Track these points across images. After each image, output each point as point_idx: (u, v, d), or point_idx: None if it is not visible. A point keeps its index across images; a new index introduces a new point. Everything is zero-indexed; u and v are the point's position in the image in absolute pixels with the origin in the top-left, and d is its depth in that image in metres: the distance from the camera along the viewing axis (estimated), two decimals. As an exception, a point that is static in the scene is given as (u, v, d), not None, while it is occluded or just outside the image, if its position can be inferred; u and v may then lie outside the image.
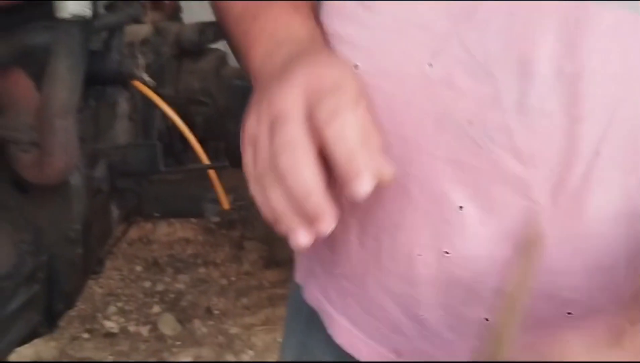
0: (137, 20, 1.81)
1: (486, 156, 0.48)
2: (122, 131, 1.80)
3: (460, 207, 0.50)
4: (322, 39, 0.57)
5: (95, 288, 2.30)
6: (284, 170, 0.45)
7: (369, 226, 0.56)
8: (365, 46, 0.53)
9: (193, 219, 2.57)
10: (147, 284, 2.39)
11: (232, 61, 2.60)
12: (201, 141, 2.05)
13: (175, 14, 2.50)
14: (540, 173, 0.48)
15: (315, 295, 0.66)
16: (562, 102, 0.47)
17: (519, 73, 0.47)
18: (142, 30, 2.15)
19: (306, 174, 0.44)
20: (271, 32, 0.57)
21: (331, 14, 0.57)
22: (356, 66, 0.53)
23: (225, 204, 2.14)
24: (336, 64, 0.52)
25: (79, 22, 1.02)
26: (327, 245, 0.60)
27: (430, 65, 0.49)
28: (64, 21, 1.01)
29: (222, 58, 2.44)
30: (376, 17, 0.52)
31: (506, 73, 0.47)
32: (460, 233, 0.51)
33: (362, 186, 0.43)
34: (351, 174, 0.43)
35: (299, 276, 0.70)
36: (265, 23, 0.58)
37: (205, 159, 2.02)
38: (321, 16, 0.59)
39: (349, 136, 0.44)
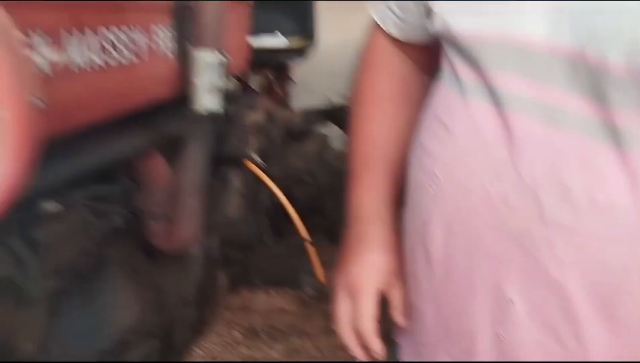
0: (252, 109, 2.02)
1: (532, 262, 0.61)
2: (233, 206, 1.99)
3: (512, 300, 0.63)
4: (387, 209, 0.82)
5: (196, 349, 2.45)
6: (356, 322, 0.78)
7: (442, 306, 0.69)
8: (444, 160, 0.68)
9: (290, 290, 2.70)
10: (245, 351, 2.53)
11: (335, 145, 2.79)
12: (302, 217, 2.21)
13: (285, 101, 2.73)
14: (575, 279, 0.60)
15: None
16: (594, 222, 0.59)
17: (559, 197, 0.59)
18: (255, 115, 2.38)
19: (369, 328, 0.77)
20: (355, 204, 0.84)
21: (422, 128, 0.72)
22: (436, 175, 0.67)
23: (322, 277, 2.27)
24: (371, 264, 0.81)
25: (209, 115, 1.21)
26: (412, 318, 0.74)
27: (491, 184, 0.62)
28: (198, 115, 1.20)
29: (325, 142, 2.63)
30: (453, 139, 0.66)
31: (548, 196, 0.59)
32: (512, 321, 0.64)
33: None
34: None
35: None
36: (356, 191, 0.84)
37: (305, 234, 2.17)
38: (414, 133, 0.75)
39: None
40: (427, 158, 0.71)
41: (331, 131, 2.87)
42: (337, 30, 3.55)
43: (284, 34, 2.57)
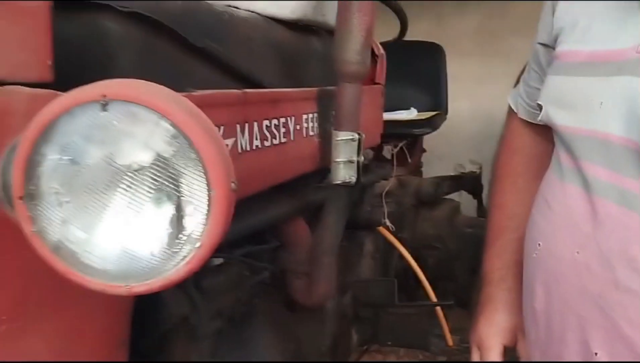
0: (386, 178, 2.18)
1: (610, 321, 0.70)
2: (366, 267, 2.14)
3: (595, 353, 0.74)
4: (513, 275, 0.98)
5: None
6: None
7: (545, 356, 0.79)
8: (544, 231, 0.80)
9: (419, 351, 2.77)
10: (374, 408, 2.61)
11: (465, 211, 2.88)
12: (432, 281, 2.31)
13: (416, 169, 2.88)
14: None
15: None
16: None
17: (630, 267, 0.69)
18: (387, 183, 2.54)
19: None
20: (486, 269, 1.02)
21: (534, 204, 0.85)
22: (538, 243, 0.79)
23: (450, 341, 2.33)
24: (496, 324, 0.98)
25: (345, 186, 1.38)
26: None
27: (577, 253, 0.74)
28: (335, 185, 1.37)
29: (455, 208, 2.73)
30: (552, 215, 0.79)
31: (621, 266, 0.69)
32: None
33: None
34: None
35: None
36: (487, 257, 1.03)
37: (434, 297, 2.26)
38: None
39: None
40: (534, 228, 0.83)
41: (461, 197, 2.96)
42: (468, 99, 3.68)
43: (418, 108, 2.74)
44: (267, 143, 1.10)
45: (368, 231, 2.07)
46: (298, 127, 1.24)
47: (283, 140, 1.17)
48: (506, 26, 3.72)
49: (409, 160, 2.69)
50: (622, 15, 0.76)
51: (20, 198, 0.51)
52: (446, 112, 2.83)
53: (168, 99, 0.51)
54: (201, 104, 0.84)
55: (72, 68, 0.73)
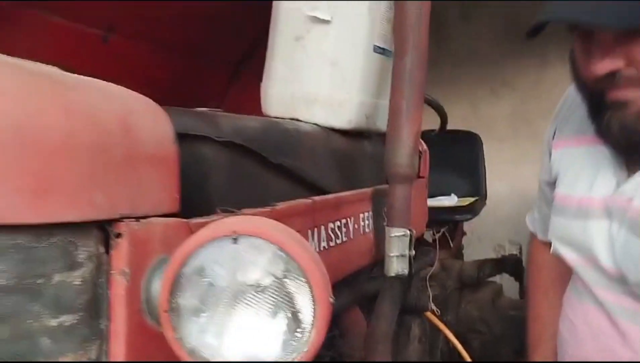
0: (431, 264, 2.29)
1: None
2: (412, 351, 2.21)
3: None
4: None
5: None
6: None
7: None
8: (569, 343, 0.93)
9: None
10: None
11: (508, 293, 2.94)
12: (477, 364, 2.36)
13: (458, 252, 2.98)
14: None
15: None
16: None
17: None
18: (431, 268, 2.63)
19: None
20: None
21: (560, 319, 0.98)
22: (566, 352, 0.91)
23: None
24: None
25: (399, 278, 1.50)
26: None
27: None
28: (390, 277, 1.50)
29: (498, 291, 2.80)
30: (576, 330, 0.93)
31: None
32: None
33: None
34: None
35: None
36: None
37: (480, 380, 2.31)
38: None
39: None
40: (562, 342, 0.96)
41: (504, 279, 3.03)
42: (504, 181, 3.80)
43: (458, 194, 2.88)
44: (332, 243, 1.23)
45: (415, 316, 2.16)
46: (356, 226, 1.38)
47: (344, 239, 1.31)
48: (539, 110, 3.87)
49: (451, 244, 2.80)
50: (597, 167, 0.94)
51: (166, 311, 0.65)
52: (485, 197, 2.96)
53: (284, 234, 0.66)
54: (283, 215, 0.99)
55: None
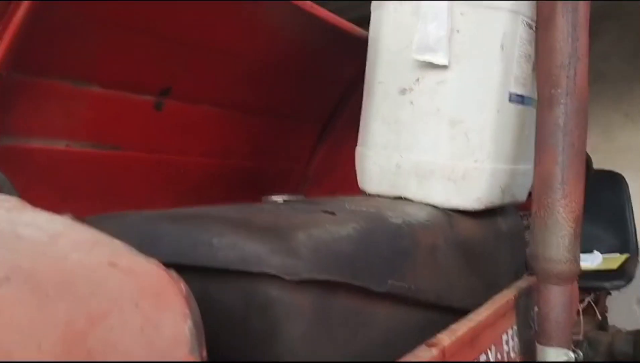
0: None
1: None
2: None
3: None
4: None
5: None
6: None
7: None
8: None
9: None
10: None
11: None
12: None
13: (602, 323, 2.44)
14: None
15: None
16: None
17: None
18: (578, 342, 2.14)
19: None
20: None
21: None
22: None
23: None
24: None
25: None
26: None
27: None
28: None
29: (662, 372, 2.25)
30: None
31: None
32: None
33: None
34: None
35: None
36: None
37: None
38: None
39: None
40: None
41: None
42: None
43: (601, 250, 2.36)
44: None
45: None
46: (499, 355, 0.97)
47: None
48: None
49: (598, 315, 2.28)
50: None
51: None
52: (637, 254, 2.41)
53: None
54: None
55: (235, 340, 0.66)
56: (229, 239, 0.69)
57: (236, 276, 0.67)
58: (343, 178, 1.93)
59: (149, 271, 0.42)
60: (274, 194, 1.01)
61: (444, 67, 1.03)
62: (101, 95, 1.12)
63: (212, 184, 1.49)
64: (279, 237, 0.70)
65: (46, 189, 1.12)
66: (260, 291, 0.66)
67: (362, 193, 1.21)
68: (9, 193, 0.86)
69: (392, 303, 0.81)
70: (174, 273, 0.44)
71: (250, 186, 1.61)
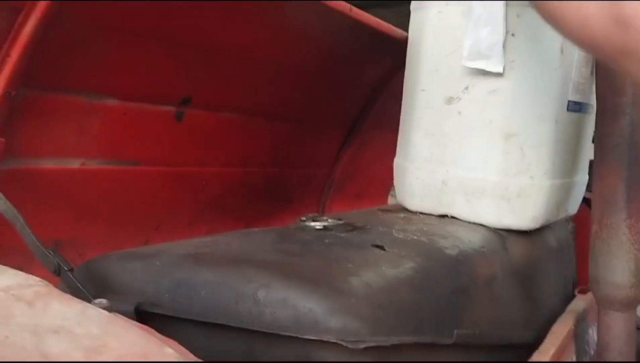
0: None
1: None
2: None
3: None
4: None
5: None
6: None
7: None
8: None
9: None
10: None
11: None
12: None
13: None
14: None
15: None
16: None
17: None
18: None
19: None
20: None
21: None
22: None
23: None
24: None
25: None
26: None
27: None
28: None
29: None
30: None
31: None
32: None
33: None
34: None
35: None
36: None
37: None
38: None
39: None
40: None
41: None
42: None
43: None
44: None
45: None
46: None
47: None
48: None
49: None
50: None
51: None
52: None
53: None
54: None
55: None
56: (278, 293, 0.60)
57: (288, 339, 0.58)
58: (367, 182, 1.83)
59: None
60: (308, 218, 0.92)
61: (498, 74, 0.93)
62: (118, 108, 1.02)
63: (234, 193, 1.39)
64: (334, 290, 0.60)
65: (59, 211, 1.03)
66: (318, 359, 0.57)
67: (391, 204, 1.12)
68: (16, 223, 0.77)
69: (455, 351, 0.72)
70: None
71: (273, 193, 1.52)
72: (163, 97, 1.08)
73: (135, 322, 0.39)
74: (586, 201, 1.20)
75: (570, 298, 1.17)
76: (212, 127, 1.22)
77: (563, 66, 0.95)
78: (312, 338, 0.56)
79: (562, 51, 0.94)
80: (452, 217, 1.02)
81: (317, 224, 0.89)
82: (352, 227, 0.89)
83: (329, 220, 0.91)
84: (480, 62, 0.93)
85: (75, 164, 1.01)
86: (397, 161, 1.11)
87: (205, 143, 1.23)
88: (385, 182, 1.95)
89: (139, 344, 0.35)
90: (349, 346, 0.55)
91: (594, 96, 1.00)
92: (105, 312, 0.39)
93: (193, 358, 0.36)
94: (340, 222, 0.90)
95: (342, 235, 0.83)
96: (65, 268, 0.70)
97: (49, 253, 0.72)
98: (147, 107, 1.07)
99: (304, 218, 0.92)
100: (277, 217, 1.53)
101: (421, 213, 1.06)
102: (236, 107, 1.24)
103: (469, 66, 0.94)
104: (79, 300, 0.41)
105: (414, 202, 1.07)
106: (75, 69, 0.92)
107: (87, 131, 1.00)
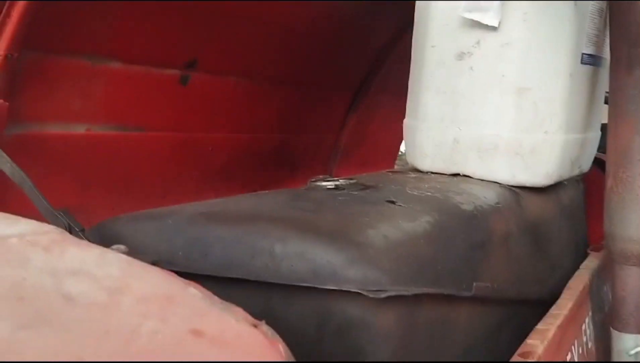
0: None
1: None
2: None
3: None
4: None
5: None
6: None
7: None
8: None
9: None
10: None
11: None
12: None
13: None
14: None
15: None
16: None
17: None
18: None
19: None
20: None
21: None
22: None
23: None
24: None
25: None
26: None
27: None
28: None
29: None
30: None
31: None
32: None
33: None
34: None
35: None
36: None
37: None
38: None
39: None
40: None
41: None
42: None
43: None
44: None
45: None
46: (581, 349, 0.87)
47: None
48: None
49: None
50: None
51: None
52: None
53: None
54: None
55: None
56: (295, 246, 0.58)
57: (306, 291, 0.57)
58: (374, 148, 1.82)
59: (242, 336, 0.32)
60: (319, 179, 0.90)
61: (510, 28, 0.91)
62: (122, 72, 1.00)
63: (241, 160, 1.38)
64: (352, 242, 0.59)
65: (65, 178, 1.01)
66: (337, 311, 0.56)
67: (399, 167, 1.11)
68: (24, 185, 0.76)
69: (473, 305, 0.71)
70: (269, 331, 0.34)
71: (279, 160, 1.50)
72: (168, 60, 1.06)
73: (154, 266, 0.38)
74: (596, 161, 1.19)
75: (583, 256, 1.16)
76: (217, 92, 1.21)
77: (577, 17, 0.93)
78: (331, 288, 0.54)
79: (575, 2, 0.91)
80: (465, 176, 1.00)
81: (329, 184, 0.88)
82: (364, 186, 0.87)
83: (341, 180, 0.90)
84: (476, 14, 0.90)
85: (80, 129, 1.00)
86: (407, 121, 1.09)
87: (210, 108, 1.21)
88: (391, 149, 1.93)
89: (162, 285, 0.34)
90: (370, 295, 0.54)
91: (607, 49, 0.98)
92: (124, 256, 0.37)
93: (217, 299, 0.35)
94: (352, 181, 0.89)
95: (355, 193, 0.82)
96: (76, 229, 0.69)
97: (59, 214, 0.71)
98: (152, 71, 1.05)
99: (315, 179, 0.91)
100: (284, 184, 1.51)
101: (433, 172, 1.04)
102: (242, 71, 1.22)
103: (465, 17, 0.92)
104: (96, 246, 0.39)
105: (425, 162, 1.05)
106: (78, 31, 0.90)
107: (91, 95, 0.99)
